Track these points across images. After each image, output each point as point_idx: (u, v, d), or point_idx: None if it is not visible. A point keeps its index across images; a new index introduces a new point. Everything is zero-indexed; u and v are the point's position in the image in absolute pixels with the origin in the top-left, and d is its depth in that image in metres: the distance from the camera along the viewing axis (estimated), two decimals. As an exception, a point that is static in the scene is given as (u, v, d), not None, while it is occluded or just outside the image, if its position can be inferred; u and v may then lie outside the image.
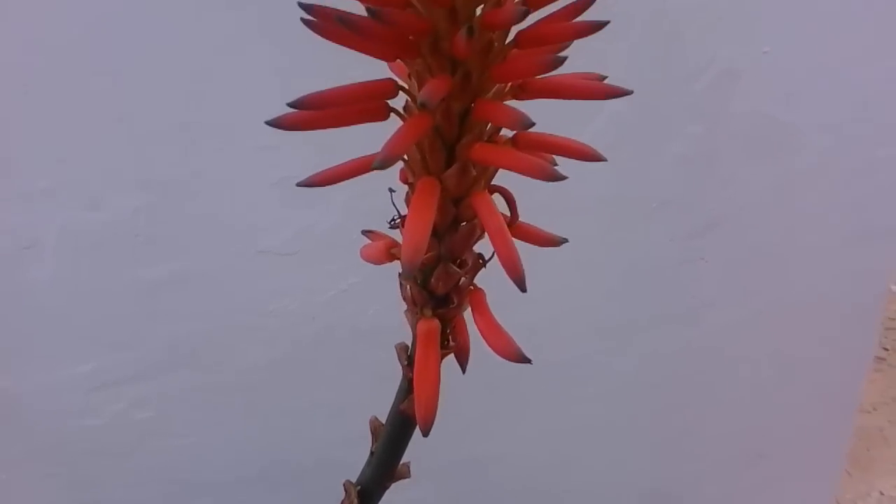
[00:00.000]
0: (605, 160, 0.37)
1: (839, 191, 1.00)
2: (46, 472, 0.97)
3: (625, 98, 0.92)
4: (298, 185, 0.36)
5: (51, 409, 0.94)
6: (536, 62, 0.30)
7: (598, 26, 0.30)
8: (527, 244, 0.39)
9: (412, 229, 0.31)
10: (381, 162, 0.29)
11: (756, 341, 1.08)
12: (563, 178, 0.30)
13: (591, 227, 0.98)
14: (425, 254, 0.37)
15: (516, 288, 0.33)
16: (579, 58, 0.84)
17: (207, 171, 0.87)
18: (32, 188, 0.85)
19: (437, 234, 0.36)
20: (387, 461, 0.44)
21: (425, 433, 0.38)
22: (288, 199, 0.91)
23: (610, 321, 1.03)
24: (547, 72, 0.31)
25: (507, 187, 0.38)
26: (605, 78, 0.37)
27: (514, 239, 0.37)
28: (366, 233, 0.41)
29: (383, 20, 0.29)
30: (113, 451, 0.99)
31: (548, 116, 0.84)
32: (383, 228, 0.42)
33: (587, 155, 0.36)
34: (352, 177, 0.34)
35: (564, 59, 0.30)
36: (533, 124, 0.30)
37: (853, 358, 1.16)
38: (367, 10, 0.29)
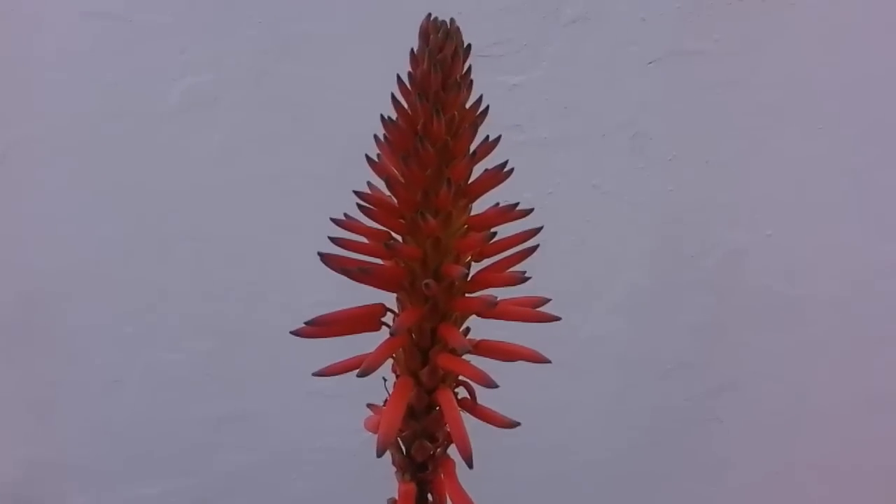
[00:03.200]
0: (549, 362, 0.47)
1: (844, 360, 1.06)
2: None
3: (640, 270, 1.04)
4: (314, 374, 0.48)
5: (121, 527, 1.06)
6: (479, 301, 0.42)
7: (521, 279, 0.42)
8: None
9: (386, 419, 0.42)
10: (363, 370, 0.42)
11: (772, 501, 1.13)
12: (496, 386, 0.42)
13: (610, 385, 1.07)
14: (404, 431, 0.48)
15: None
16: (598, 235, 0.97)
17: (269, 322, 1.01)
18: (123, 331, 1.01)
19: (415, 415, 0.48)
20: None
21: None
22: (339, 349, 1.04)
23: (628, 476, 1.10)
24: (487, 309, 0.43)
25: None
26: (547, 301, 0.48)
27: (476, 418, 0.48)
28: (370, 406, 0.53)
29: (368, 272, 0.42)
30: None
31: (570, 284, 0.96)
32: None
33: (535, 358, 0.47)
34: (350, 371, 0.46)
35: (497, 301, 0.42)
36: (469, 351, 0.42)
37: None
38: (359, 268, 0.42)
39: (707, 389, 1.08)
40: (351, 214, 0.45)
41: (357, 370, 0.42)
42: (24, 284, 1.00)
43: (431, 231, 0.43)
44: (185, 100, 0.95)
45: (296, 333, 0.46)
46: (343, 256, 0.44)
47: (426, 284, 0.42)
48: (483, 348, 0.47)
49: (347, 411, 1.04)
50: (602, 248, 1.01)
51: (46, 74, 0.97)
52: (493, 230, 0.43)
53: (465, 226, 0.45)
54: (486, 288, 0.45)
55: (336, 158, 0.95)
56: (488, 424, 0.50)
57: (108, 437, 1.04)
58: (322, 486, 1.07)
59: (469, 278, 0.45)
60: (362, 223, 0.45)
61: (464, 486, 0.48)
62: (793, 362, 1.08)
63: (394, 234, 0.44)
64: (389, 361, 0.50)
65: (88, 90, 0.96)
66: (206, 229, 0.98)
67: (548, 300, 0.49)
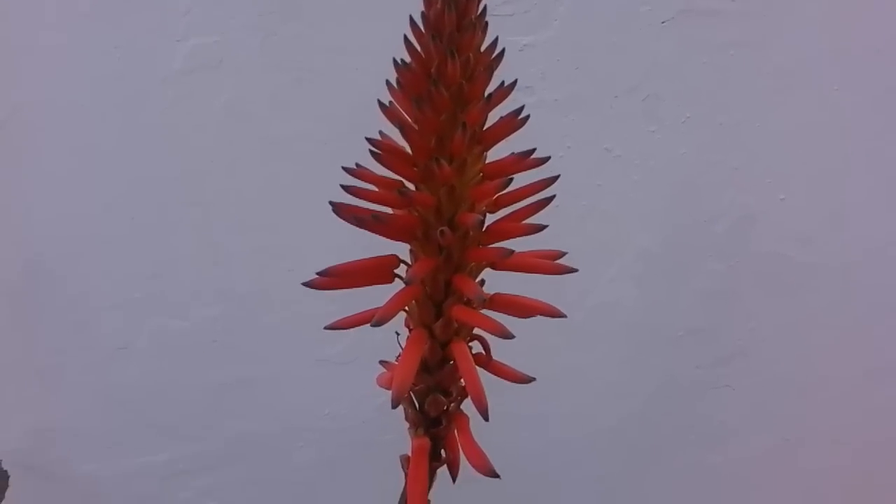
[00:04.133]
0: (565, 316, 0.46)
1: (856, 327, 1.05)
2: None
3: (651, 235, 1.03)
4: (325, 328, 0.47)
5: (129, 494, 1.06)
6: (494, 252, 0.41)
7: (538, 228, 0.41)
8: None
9: (400, 372, 0.41)
10: (377, 321, 0.41)
11: (782, 469, 1.12)
12: (511, 336, 0.41)
13: (620, 351, 1.06)
14: (417, 386, 0.47)
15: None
16: (609, 199, 0.95)
17: (277, 288, 1.01)
18: (129, 298, 1.00)
19: (428, 369, 0.47)
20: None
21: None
22: (345, 315, 1.04)
23: (636, 443, 1.09)
24: (502, 259, 0.41)
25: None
26: (564, 255, 0.47)
27: (491, 373, 0.48)
28: (382, 363, 0.52)
29: (381, 221, 0.41)
30: (179, 536, 1.09)
31: (581, 249, 0.95)
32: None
33: (551, 312, 0.46)
34: (361, 325, 0.46)
35: (512, 252, 0.41)
36: (484, 302, 0.40)
37: (879, 489, 1.18)
38: (373, 215, 0.40)
39: (718, 357, 1.07)
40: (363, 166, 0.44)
41: (370, 321, 0.41)
42: (28, 252, 0.99)
43: (446, 178, 0.41)
44: (189, 62, 0.94)
45: (308, 285, 0.45)
46: (355, 206, 0.43)
47: (441, 232, 0.41)
48: (498, 302, 0.46)
49: (356, 379, 1.04)
50: (613, 213, 1.00)
51: (47, 37, 0.95)
52: (508, 177, 0.42)
53: (480, 174, 0.43)
54: (502, 239, 0.44)
55: (342, 120, 0.93)
56: (503, 380, 0.49)
57: (115, 404, 1.03)
58: (330, 454, 1.07)
59: (484, 228, 0.44)
60: (374, 173, 0.44)
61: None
62: (804, 329, 1.07)
63: (407, 183, 0.43)
64: (402, 318, 0.49)
65: (91, 53, 0.95)
66: (211, 194, 0.97)
67: (564, 253, 0.48)
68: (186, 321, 1.01)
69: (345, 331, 1.02)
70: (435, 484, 0.51)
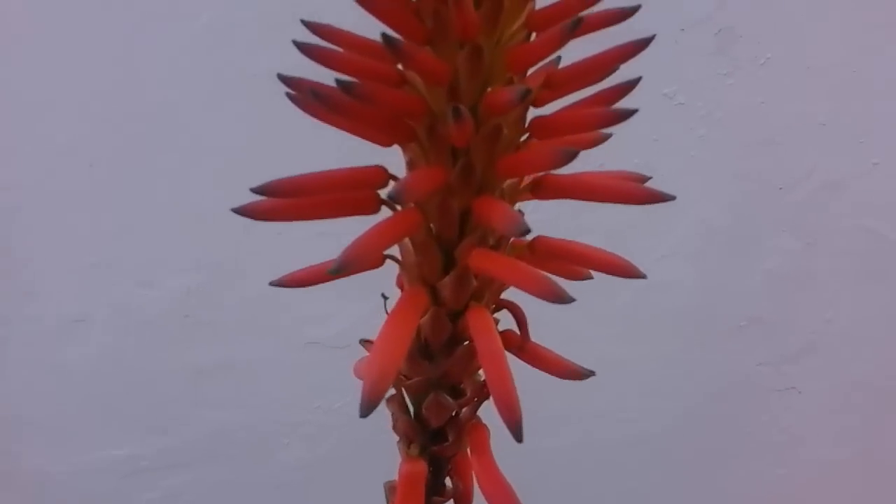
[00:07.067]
0: (644, 277, 0.30)
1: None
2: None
3: (713, 204, 0.86)
4: (271, 284, 0.32)
5: (82, 493, 0.92)
6: (545, 154, 0.24)
7: (625, 115, 0.24)
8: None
9: (380, 353, 0.25)
10: (339, 263, 0.24)
11: (852, 488, 0.96)
12: (571, 300, 0.24)
13: (671, 343, 0.92)
14: (411, 378, 0.31)
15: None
16: (666, 158, 0.80)
17: (263, 254, 0.85)
18: (86, 262, 0.86)
19: (429, 354, 0.30)
20: None
21: None
22: (344, 289, 0.88)
23: (687, 451, 0.95)
24: (559, 166, 0.24)
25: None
26: (647, 180, 0.30)
27: (525, 362, 0.31)
28: (364, 342, 0.35)
29: (359, 97, 0.24)
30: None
31: (628, 219, 0.79)
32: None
33: (620, 269, 0.29)
34: (319, 283, 0.29)
35: (577, 152, 0.23)
36: (528, 231, 0.23)
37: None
38: (337, 81, 0.23)
39: (785, 353, 0.92)
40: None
41: (329, 269, 0.24)
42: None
43: (469, 31, 0.24)
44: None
45: (239, 212, 0.28)
46: (316, 83, 0.26)
47: (455, 111, 0.24)
48: (541, 249, 0.29)
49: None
50: (669, 175, 0.82)
51: None
52: (577, 18, 0.25)
53: (525, 30, 0.26)
54: (557, 137, 0.27)
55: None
56: (545, 372, 0.32)
57: (68, 387, 0.89)
58: (321, 454, 0.92)
59: (527, 123, 0.27)
60: (352, 33, 0.27)
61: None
62: (889, 322, 0.90)
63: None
64: (393, 272, 0.32)
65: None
66: (194, 135, 0.82)
67: (648, 178, 0.31)
68: (154, 291, 0.86)
69: (339, 312, 0.85)
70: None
